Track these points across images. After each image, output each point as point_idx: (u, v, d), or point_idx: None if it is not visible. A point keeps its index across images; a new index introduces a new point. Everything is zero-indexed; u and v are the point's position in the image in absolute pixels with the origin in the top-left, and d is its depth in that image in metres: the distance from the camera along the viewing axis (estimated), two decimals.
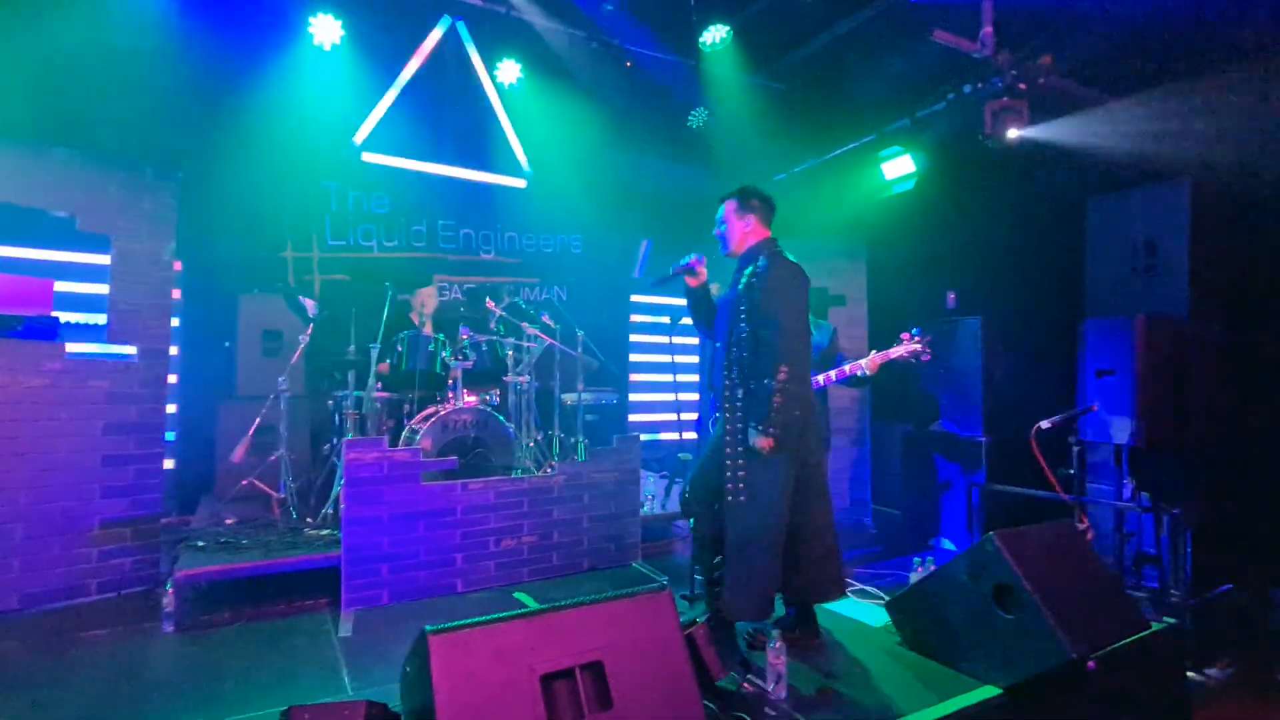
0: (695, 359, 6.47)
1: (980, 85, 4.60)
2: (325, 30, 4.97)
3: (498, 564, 3.82)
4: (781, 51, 5.99)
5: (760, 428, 2.69)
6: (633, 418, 6.82)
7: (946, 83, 4.96)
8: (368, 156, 5.57)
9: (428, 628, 1.90)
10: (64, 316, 3.71)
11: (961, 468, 4.73)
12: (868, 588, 3.80)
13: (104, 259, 3.67)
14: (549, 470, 4.28)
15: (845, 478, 5.78)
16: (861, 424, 5.88)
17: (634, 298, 6.93)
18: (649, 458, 5.91)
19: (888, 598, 3.22)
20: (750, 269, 2.86)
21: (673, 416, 6.80)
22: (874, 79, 5.57)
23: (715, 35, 5.53)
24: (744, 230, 2.97)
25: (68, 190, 3.55)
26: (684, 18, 5.42)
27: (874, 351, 3.60)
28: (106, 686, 2.63)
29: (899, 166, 5.55)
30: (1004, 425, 4.54)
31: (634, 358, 6.95)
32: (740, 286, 2.86)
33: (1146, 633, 2.53)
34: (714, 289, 3.44)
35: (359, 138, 5.52)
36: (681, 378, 5.68)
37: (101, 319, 3.67)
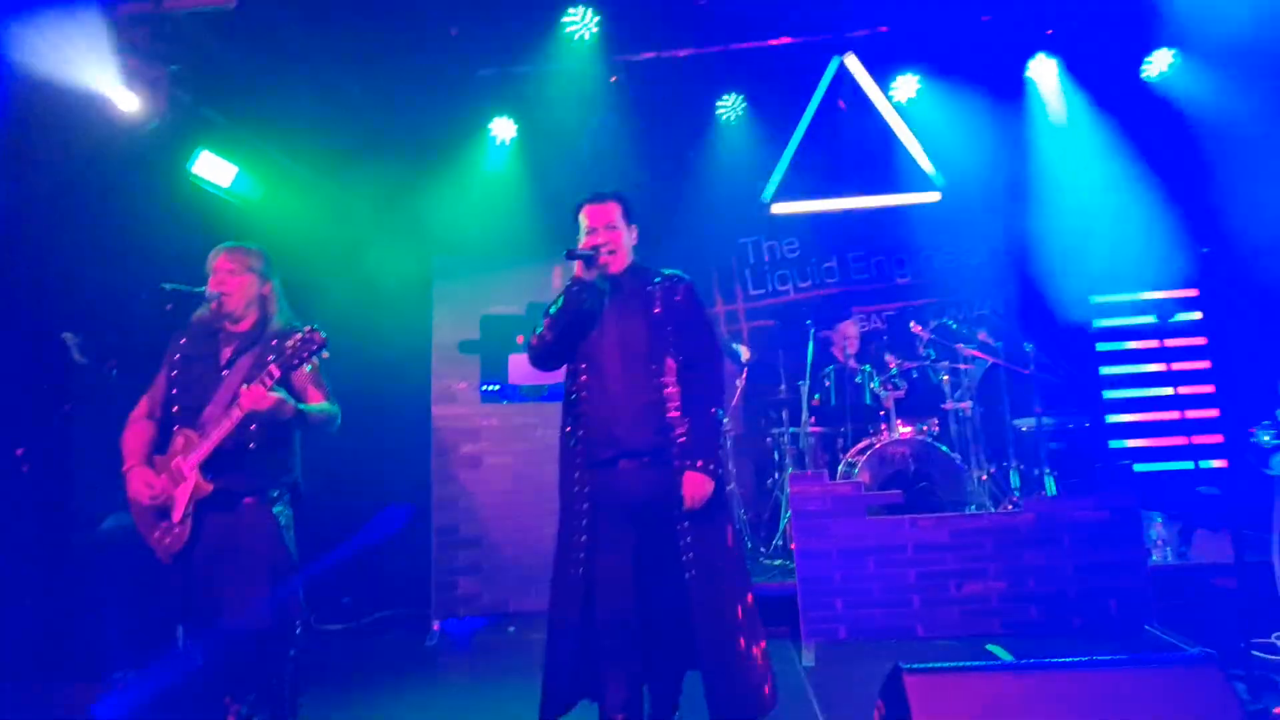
0: (1205, 364, 4.96)
1: None
2: (730, 108, 5.54)
3: (961, 611, 3.42)
4: None
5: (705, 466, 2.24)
6: (1115, 444, 5.52)
7: None
8: (776, 208, 5.90)
9: (902, 665, 1.77)
10: None
11: None
12: None
13: None
14: (1011, 507, 3.72)
15: None
16: None
17: (1096, 297, 5.70)
18: (1150, 494, 4.66)
19: None
20: (663, 285, 2.45)
21: (1179, 440, 5.30)
22: None
23: None
24: (630, 242, 2.52)
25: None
26: None
27: None
28: None
29: None
30: None
31: (1107, 370, 5.67)
32: (659, 309, 2.40)
33: None
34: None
35: (767, 193, 5.92)
36: (1185, 390, 4.41)
37: None
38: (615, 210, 2.49)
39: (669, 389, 2.30)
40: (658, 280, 2.46)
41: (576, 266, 2.35)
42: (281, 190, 4.59)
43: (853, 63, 5.65)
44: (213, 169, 4.16)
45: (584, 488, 2.30)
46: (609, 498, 2.28)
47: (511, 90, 5.04)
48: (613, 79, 5.20)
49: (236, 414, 2.27)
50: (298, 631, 2.51)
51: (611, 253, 2.41)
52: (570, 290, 2.36)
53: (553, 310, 2.39)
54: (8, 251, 3.38)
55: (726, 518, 2.36)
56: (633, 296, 2.43)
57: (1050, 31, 5.01)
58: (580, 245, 2.40)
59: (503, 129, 5.28)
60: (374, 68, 4.47)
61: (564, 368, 2.47)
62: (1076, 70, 5.16)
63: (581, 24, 4.39)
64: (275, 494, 2.46)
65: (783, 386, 4.76)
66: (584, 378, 2.37)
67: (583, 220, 2.48)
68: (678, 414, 2.28)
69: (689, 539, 2.21)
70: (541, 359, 2.47)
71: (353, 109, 4.62)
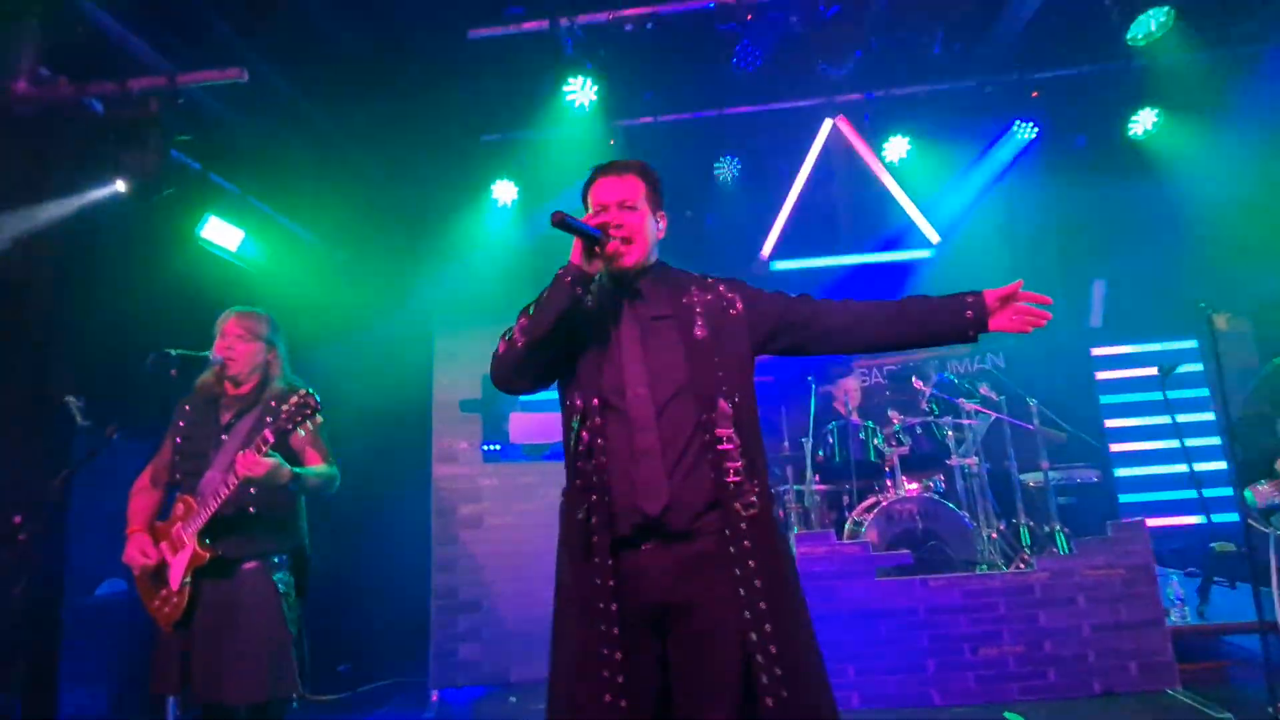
0: (1208, 416, 4.95)
1: None
2: (725, 171, 5.69)
3: (977, 676, 3.32)
4: (1250, 9, 4.59)
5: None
6: (1125, 498, 5.47)
7: None
8: (776, 266, 6.02)
9: None
10: None
11: None
12: None
13: None
14: (1023, 565, 3.65)
15: None
16: None
17: (1096, 351, 5.75)
18: (1163, 550, 4.58)
19: None
20: (706, 299, 1.75)
21: (1187, 494, 5.24)
22: None
23: (1152, 23, 4.55)
24: (655, 234, 1.81)
25: None
26: (1103, 21, 4.61)
27: None
28: None
29: None
30: None
31: (1112, 423, 5.68)
32: (704, 331, 1.68)
33: None
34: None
35: (765, 252, 6.02)
36: (1193, 442, 4.38)
37: None
38: (637, 186, 1.78)
39: (725, 445, 1.60)
40: (695, 290, 1.77)
41: (574, 249, 1.64)
42: (287, 253, 4.67)
43: (844, 125, 5.83)
44: (221, 233, 4.24)
45: (607, 578, 1.57)
46: (631, 592, 1.59)
47: (513, 154, 5.18)
48: (610, 142, 5.35)
49: (233, 480, 2.25)
50: (294, 706, 2.43)
51: (627, 241, 1.69)
52: (561, 279, 1.64)
53: (532, 309, 1.67)
54: (15, 314, 3.41)
55: (803, 603, 1.69)
56: (664, 313, 1.73)
57: (1036, 94, 5.19)
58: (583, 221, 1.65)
59: (504, 192, 5.40)
60: (380, 135, 4.61)
61: (560, 410, 1.78)
62: (1063, 128, 5.31)
63: (581, 92, 4.54)
64: (277, 560, 2.42)
65: (785, 443, 4.73)
66: (596, 435, 1.64)
67: (590, 199, 1.81)
68: (740, 478, 1.60)
69: (770, 651, 1.52)
70: (506, 372, 1.72)
71: (358, 174, 4.74)
